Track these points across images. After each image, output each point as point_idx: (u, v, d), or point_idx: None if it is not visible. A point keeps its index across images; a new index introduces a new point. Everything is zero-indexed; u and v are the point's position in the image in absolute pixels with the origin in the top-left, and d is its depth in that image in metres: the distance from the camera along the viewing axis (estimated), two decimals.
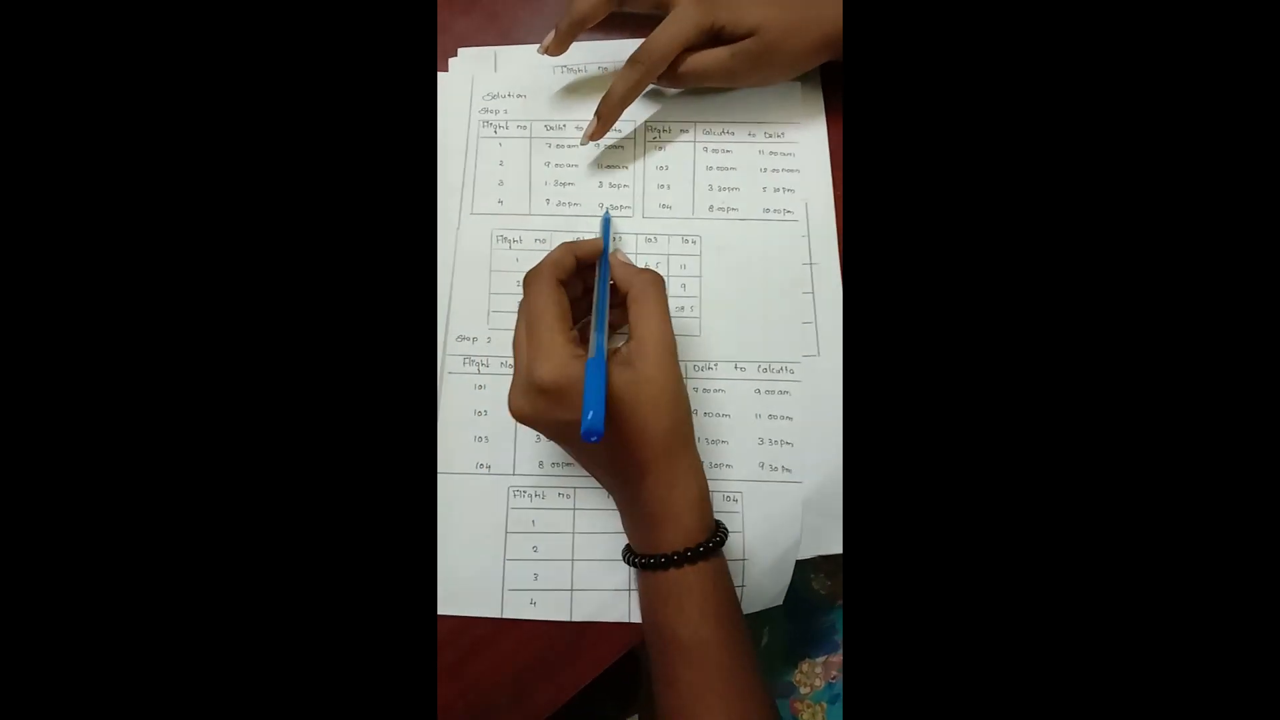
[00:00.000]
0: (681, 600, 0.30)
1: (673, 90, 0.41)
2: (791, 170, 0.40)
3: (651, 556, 0.30)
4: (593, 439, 0.25)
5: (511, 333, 0.37)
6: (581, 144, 0.40)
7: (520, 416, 0.30)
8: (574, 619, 0.34)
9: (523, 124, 0.41)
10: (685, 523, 0.30)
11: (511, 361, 0.36)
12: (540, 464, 0.36)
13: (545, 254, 0.32)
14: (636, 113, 0.41)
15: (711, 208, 0.40)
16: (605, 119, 0.39)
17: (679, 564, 0.30)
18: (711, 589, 0.30)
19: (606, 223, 0.37)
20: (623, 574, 0.34)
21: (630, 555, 0.32)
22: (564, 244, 0.33)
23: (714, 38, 0.38)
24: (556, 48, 0.39)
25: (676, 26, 0.37)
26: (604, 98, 0.38)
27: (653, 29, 0.40)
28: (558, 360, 0.29)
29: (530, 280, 0.31)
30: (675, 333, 0.31)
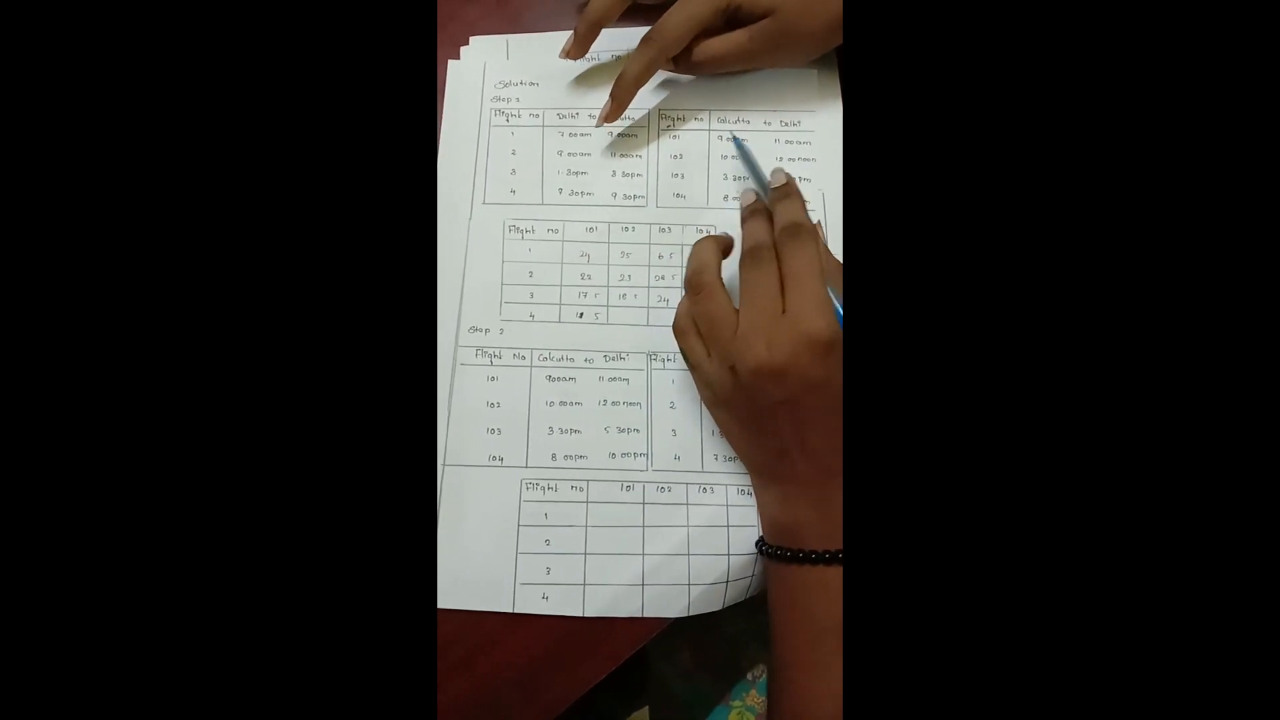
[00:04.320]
0: None
1: (686, 76, 0.41)
2: (808, 159, 0.40)
3: (841, 551, 0.30)
4: None
5: (519, 324, 0.37)
6: (596, 126, 0.39)
7: (779, 379, 0.29)
8: (586, 614, 0.34)
9: (535, 112, 0.41)
10: None
11: (522, 353, 0.36)
12: (553, 456, 0.35)
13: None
14: (649, 100, 0.41)
15: (726, 197, 0.39)
16: (619, 100, 0.38)
17: None
18: None
19: (739, 143, 0.38)
20: (636, 569, 0.34)
21: (790, 550, 0.31)
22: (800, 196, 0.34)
23: (730, 19, 0.37)
24: (577, 50, 0.39)
25: (692, 6, 0.36)
26: (617, 79, 0.38)
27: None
28: (829, 313, 0.29)
29: (803, 232, 0.31)
30: None
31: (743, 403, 0.32)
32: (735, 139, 0.39)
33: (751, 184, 0.38)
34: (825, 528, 0.31)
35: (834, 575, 0.30)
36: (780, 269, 0.31)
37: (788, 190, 0.34)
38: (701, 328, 0.33)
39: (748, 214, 0.35)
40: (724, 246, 0.34)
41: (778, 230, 0.32)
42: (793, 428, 0.31)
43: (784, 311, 0.30)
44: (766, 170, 0.36)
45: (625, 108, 0.39)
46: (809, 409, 0.30)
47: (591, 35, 0.38)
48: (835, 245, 0.38)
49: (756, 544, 0.34)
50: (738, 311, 0.32)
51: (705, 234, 0.38)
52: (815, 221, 0.33)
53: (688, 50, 0.38)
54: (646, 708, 0.54)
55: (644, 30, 0.39)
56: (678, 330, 0.34)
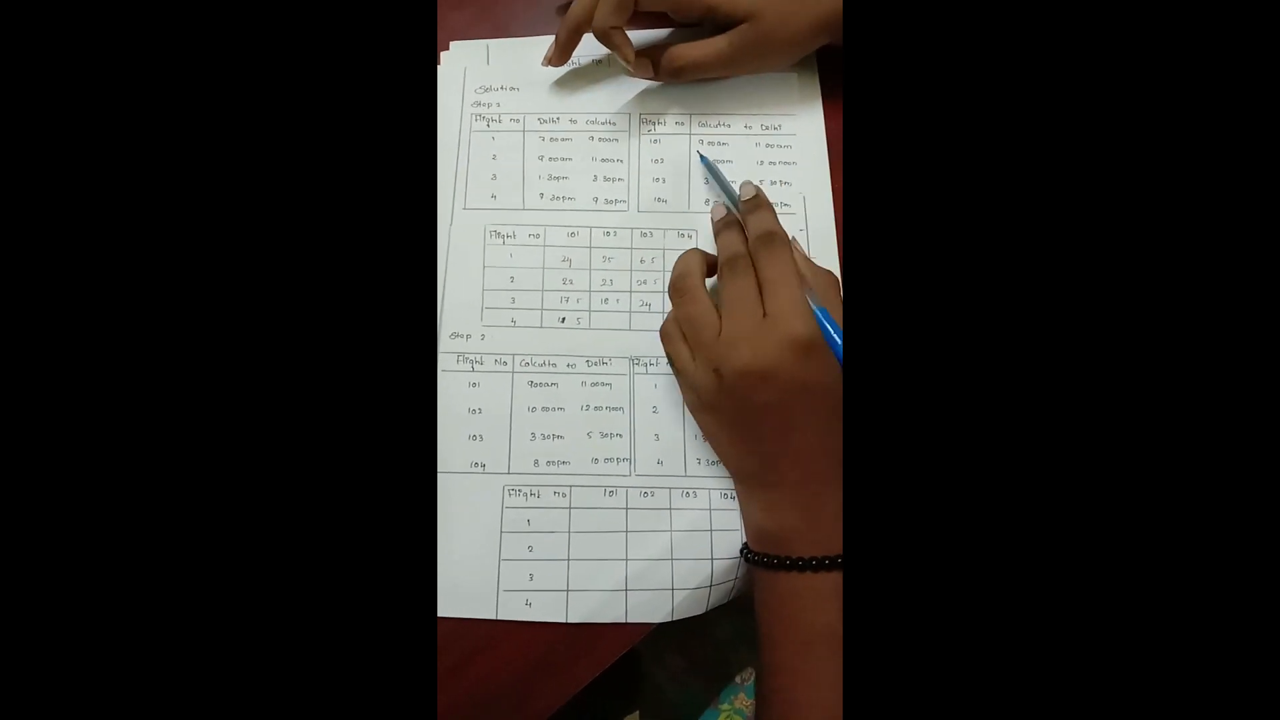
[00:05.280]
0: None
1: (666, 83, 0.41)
2: (789, 163, 0.40)
3: (828, 557, 0.30)
4: None
5: (501, 329, 0.37)
6: (542, 64, 0.40)
7: (766, 382, 0.30)
8: (570, 620, 0.33)
9: (515, 117, 0.41)
10: None
11: (504, 358, 0.36)
12: (535, 462, 0.35)
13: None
14: (631, 105, 0.41)
15: (708, 201, 0.39)
16: (562, 45, 0.39)
17: None
18: None
19: (706, 161, 0.39)
20: (619, 574, 0.34)
21: (777, 558, 0.31)
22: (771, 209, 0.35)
23: (708, 18, 0.37)
24: (559, 58, 0.39)
25: None
26: (563, 21, 0.38)
27: (650, 23, 0.39)
28: (810, 316, 0.30)
29: (776, 240, 0.32)
30: None
31: (729, 406, 0.32)
32: (702, 157, 0.39)
33: (722, 199, 0.38)
34: (812, 534, 0.31)
35: (822, 581, 0.30)
36: (757, 276, 0.32)
37: (758, 202, 0.35)
38: (685, 331, 0.33)
39: (720, 226, 0.35)
40: (709, 260, 0.35)
41: (751, 240, 0.33)
42: (779, 431, 0.31)
43: (765, 316, 0.31)
44: (735, 183, 0.37)
45: (567, 51, 0.39)
46: (795, 412, 0.30)
47: (573, 41, 0.38)
48: (821, 246, 0.38)
49: (741, 552, 0.34)
50: (721, 316, 0.32)
51: (687, 238, 0.38)
52: (791, 237, 0.34)
53: (669, 58, 0.38)
54: (637, 712, 0.54)
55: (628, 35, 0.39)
56: (664, 335, 0.35)
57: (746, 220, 0.34)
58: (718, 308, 0.33)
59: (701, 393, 0.33)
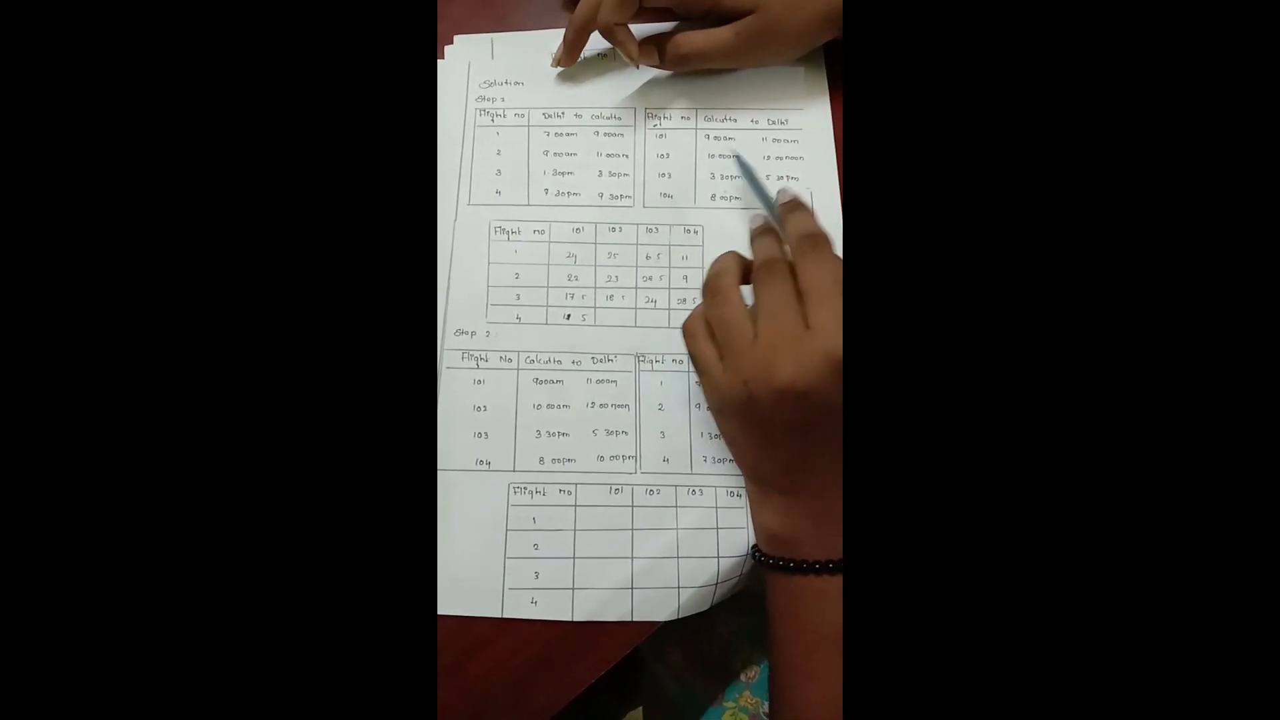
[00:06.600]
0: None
1: (671, 73, 0.41)
2: (795, 158, 0.39)
3: (833, 561, 0.30)
4: None
5: (506, 326, 0.36)
6: (551, 65, 0.40)
7: (800, 401, 0.28)
8: (575, 618, 0.33)
9: (520, 112, 0.40)
10: None
11: (509, 355, 0.36)
12: (541, 460, 0.35)
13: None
14: (635, 99, 0.40)
15: (714, 197, 0.39)
16: (570, 44, 0.39)
17: None
18: None
19: (741, 162, 0.38)
20: (624, 572, 0.34)
21: (792, 561, 0.31)
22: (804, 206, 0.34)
23: (713, 11, 0.37)
24: (567, 58, 0.39)
25: None
26: (570, 21, 0.38)
27: (656, 18, 0.39)
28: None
29: (821, 244, 0.31)
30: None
31: (755, 418, 0.30)
32: (738, 158, 0.38)
33: (758, 209, 0.37)
34: (824, 539, 0.31)
35: (831, 584, 0.30)
36: (798, 282, 0.30)
37: (798, 203, 0.34)
38: (716, 333, 0.31)
39: (757, 233, 0.34)
40: (745, 265, 0.33)
41: (795, 241, 0.31)
42: (803, 446, 0.30)
43: (807, 327, 0.29)
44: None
45: (576, 50, 0.39)
46: (822, 430, 0.29)
47: (581, 40, 0.38)
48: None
49: (752, 553, 0.33)
50: (754, 321, 0.30)
51: (693, 234, 0.38)
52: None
53: (674, 45, 0.38)
54: (640, 709, 0.54)
55: (631, 28, 0.39)
56: (687, 333, 0.33)
57: (786, 221, 0.33)
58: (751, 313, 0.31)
59: (726, 398, 0.31)
